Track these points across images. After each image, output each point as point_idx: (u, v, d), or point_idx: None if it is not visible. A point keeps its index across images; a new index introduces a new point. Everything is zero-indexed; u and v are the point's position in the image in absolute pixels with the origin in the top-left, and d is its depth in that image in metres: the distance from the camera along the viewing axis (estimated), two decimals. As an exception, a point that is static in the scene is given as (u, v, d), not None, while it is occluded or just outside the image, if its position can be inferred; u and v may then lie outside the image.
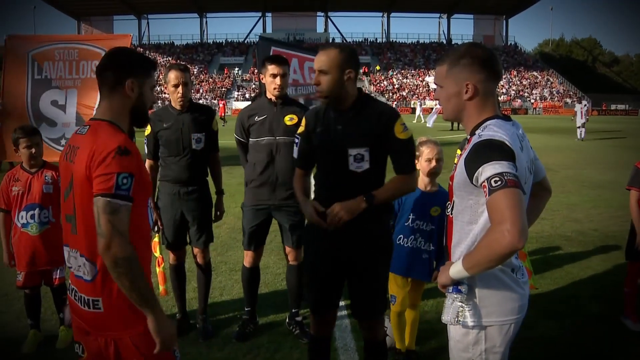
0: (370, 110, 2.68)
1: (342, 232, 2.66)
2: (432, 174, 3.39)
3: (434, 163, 3.35)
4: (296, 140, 2.92)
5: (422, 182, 3.44)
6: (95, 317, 1.90)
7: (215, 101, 44.64)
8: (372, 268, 2.72)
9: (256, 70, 4.20)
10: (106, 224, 1.75)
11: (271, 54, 5.13)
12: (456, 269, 1.83)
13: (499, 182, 1.69)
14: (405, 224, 3.43)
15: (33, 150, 3.71)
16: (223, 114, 34.45)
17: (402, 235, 3.44)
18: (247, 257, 3.99)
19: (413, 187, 2.81)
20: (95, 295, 1.89)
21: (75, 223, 1.93)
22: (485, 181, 1.73)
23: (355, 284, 2.79)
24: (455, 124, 26.15)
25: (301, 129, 2.89)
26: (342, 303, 4.01)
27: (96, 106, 5.09)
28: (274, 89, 3.73)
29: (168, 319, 1.91)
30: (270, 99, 3.79)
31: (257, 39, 6.02)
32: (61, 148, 5.05)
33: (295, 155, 2.95)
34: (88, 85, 5.17)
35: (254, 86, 56.57)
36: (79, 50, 5.21)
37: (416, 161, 3.42)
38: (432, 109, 29.36)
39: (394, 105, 42.65)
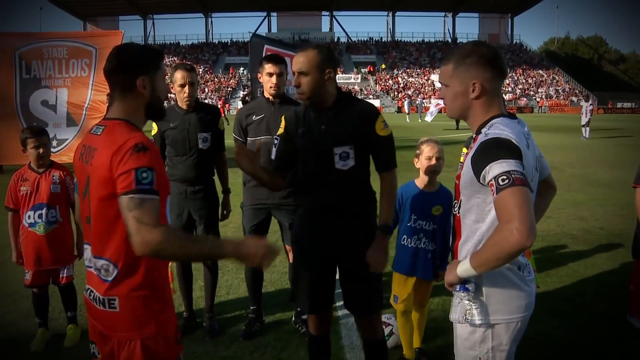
0: (352, 108, 2.69)
1: (330, 229, 2.69)
2: (432, 172, 3.38)
3: (433, 161, 3.34)
4: (275, 142, 2.90)
5: (422, 180, 3.43)
6: (110, 317, 1.90)
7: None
8: (364, 263, 2.69)
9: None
10: (131, 220, 1.70)
11: (264, 52, 5.13)
12: (464, 267, 1.83)
13: (507, 181, 1.69)
14: (408, 224, 3.43)
15: (41, 150, 3.73)
16: (224, 114, 34.47)
17: (405, 236, 3.44)
18: (249, 256, 3.99)
19: (396, 182, 2.81)
20: (111, 295, 1.88)
21: (91, 224, 1.93)
22: (493, 180, 1.73)
23: (348, 281, 2.79)
24: (459, 123, 26.12)
25: (280, 131, 2.87)
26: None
27: (86, 105, 5.06)
28: (270, 87, 3.73)
29: (244, 241, 1.89)
30: (268, 98, 3.79)
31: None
32: (53, 150, 5.02)
33: (272, 156, 2.92)
34: (78, 83, 5.08)
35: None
36: (68, 48, 5.10)
37: (416, 159, 3.43)
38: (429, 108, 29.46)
39: (405, 104, 42.68)
